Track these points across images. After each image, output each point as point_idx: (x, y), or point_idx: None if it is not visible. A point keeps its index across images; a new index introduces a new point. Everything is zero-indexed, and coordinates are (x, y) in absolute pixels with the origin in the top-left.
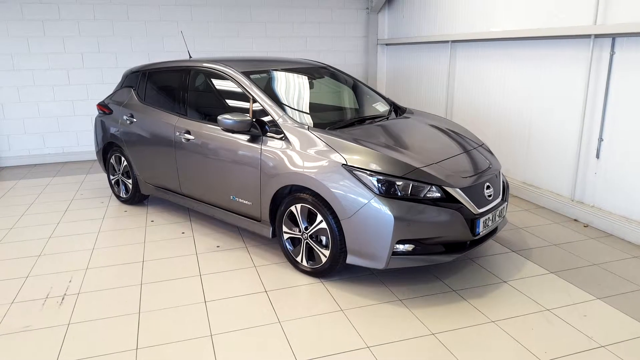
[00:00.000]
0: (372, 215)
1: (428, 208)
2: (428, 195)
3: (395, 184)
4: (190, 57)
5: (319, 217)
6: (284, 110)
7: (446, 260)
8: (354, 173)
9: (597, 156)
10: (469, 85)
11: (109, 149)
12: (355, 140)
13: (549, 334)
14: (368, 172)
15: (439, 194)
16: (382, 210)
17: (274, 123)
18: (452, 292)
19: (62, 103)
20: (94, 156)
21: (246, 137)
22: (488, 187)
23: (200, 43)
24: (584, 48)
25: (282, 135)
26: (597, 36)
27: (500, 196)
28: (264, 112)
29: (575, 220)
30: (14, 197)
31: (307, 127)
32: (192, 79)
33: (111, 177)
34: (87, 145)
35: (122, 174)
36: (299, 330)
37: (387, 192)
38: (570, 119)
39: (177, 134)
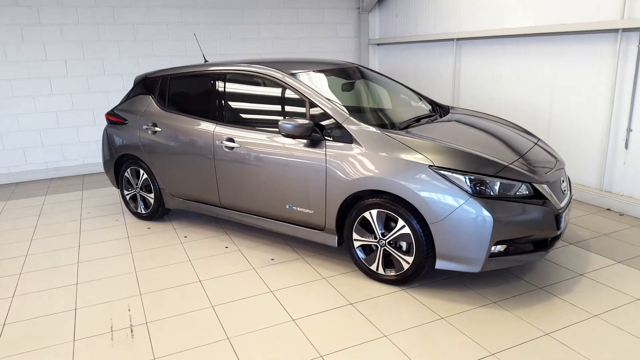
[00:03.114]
0: (467, 218)
1: (523, 206)
2: (518, 193)
3: (488, 183)
4: (205, 61)
5: (400, 222)
6: (346, 112)
7: (536, 259)
8: (442, 174)
9: (626, 146)
10: (478, 83)
11: (121, 161)
12: (435, 140)
13: None
14: (459, 172)
15: (527, 191)
16: (479, 211)
17: (337, 126)
18: (539, 289)
19: (44, 115)
20: (82, 171)
21: (303, 142)
22: (563, 181)
23: (191, 45)
24: (610, 42)
25: (349, 138)
26: (624, 30)
27: (569, 190)
28: (324, 115)
29: (608, 209)
30: (11, 220)
31: (378, 128)
32: (229, 84)
33: (125, 192)
34: (73, 159)
35: (141, 188)
36: (412, 343)
37: (480, 192)
38: (596, 113)
39: (217, 142)
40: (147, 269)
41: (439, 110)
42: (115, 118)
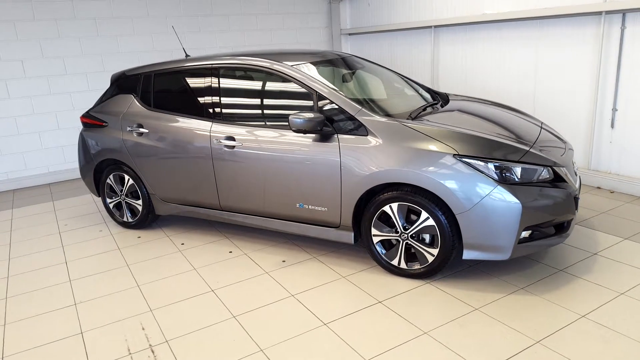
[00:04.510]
0: (496, 205)
1: (547, 190)
2: (540, 178)
3: (512, 169)
4: (187, 55)
5: (424, 215)
6: (357, 103)
7: (560, 241)
8: (467, 162)
9: (612, 126)
10: (458, 70)
11: (102, 167)
12: (455, 128)
13: None
14: (485, 160)
15: (548, 175)
16: (507, 198)
17: (350, 118)
18: (560, 271)
19: (2, 121)
20: (47, 180)
21: (312, 136)
22: (574, 163)
23: (158, 40)
24: (593, 24)
25: (364, 130)
26: (607, 12)
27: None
28: (334, 108)
29: (598, 187)
30: None
31: (392, 118)
32: (226, 79)
33: (108, 200)
34: (37, 168)
35: (126, 195)
36: (454, 338)
37: (506, 178)
38: (581, 94)
39: (215, 141)
40: (150, 281)
41: (438, 98)
42: (92, 121)
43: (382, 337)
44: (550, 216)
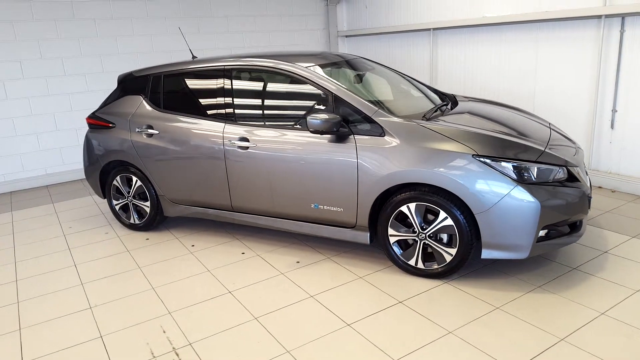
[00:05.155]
0: (515, 205)
1: (563, 190)
2: (556, 178)
3: (530, 169)
4: (193, 57)
5: (442, 214)
6: (373, 104)
7: (575, 240)
8: (486, 163)
9: (612, 126)
10: (457, 73)
11: (108, 169)
12: (472, 129)
13: None
14: (504, 160)
15: (563, 175)
16: (526, 197)
17: (366, 119)
18: (574, 270)
19: None
20: (45, 181)
21: (328, 137)
22: (584, 164)
23: (158, 41)
24: (593, 28)
25: (381, 130)
26: (607, 16)
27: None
28: (351, 108)
29: (599, 187)
30: None
31: (408, 119)
32: (239, 80)
33: (115, 202)
34: (34, 169)
35: (134, 197)
36: (479, 337)
37: (524, 178)
38: (581, 96)
39: (228, 142)
40: (165, 284)
41: (447, 100)
42: (99, 122)
43: (408, 337)
44: (566, 215)
